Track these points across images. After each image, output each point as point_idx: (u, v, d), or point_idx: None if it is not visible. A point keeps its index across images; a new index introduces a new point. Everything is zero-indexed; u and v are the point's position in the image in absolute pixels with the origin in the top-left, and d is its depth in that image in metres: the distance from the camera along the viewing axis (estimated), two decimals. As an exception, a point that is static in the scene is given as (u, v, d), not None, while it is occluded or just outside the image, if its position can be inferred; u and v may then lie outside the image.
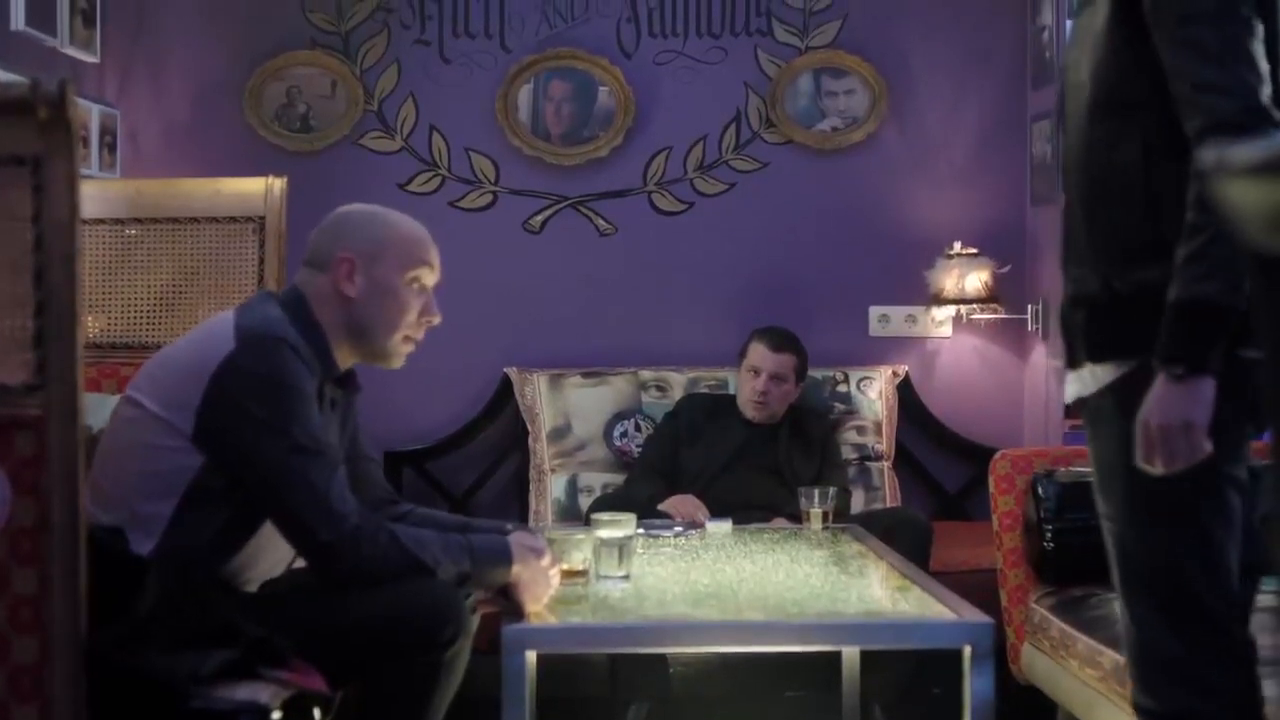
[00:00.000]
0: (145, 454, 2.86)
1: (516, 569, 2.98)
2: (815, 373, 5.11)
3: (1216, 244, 2.25)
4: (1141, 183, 2.38)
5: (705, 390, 5.13)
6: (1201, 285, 2.26)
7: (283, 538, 2.90)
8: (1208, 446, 2.31)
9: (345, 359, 3.05)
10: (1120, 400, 2.39)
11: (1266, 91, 2.29)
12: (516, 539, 3.05)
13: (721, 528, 3.93)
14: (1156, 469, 2.34)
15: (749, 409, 4.75)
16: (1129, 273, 2.39)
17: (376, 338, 3.03)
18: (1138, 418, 2.34)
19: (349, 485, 3.02)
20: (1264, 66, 2.29)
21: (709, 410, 4.88)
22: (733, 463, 4.71)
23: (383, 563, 2.85)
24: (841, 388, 5.12)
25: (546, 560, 3.03)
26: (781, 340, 4.75)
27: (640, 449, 4.99)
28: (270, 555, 2.96)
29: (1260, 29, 2.31)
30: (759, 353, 4.73)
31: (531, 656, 2.93)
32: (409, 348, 3.08)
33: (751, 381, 4.73)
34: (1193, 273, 2.27)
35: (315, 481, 2.82)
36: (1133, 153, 2.39)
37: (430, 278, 3.07)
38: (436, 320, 3.08)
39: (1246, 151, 1.41)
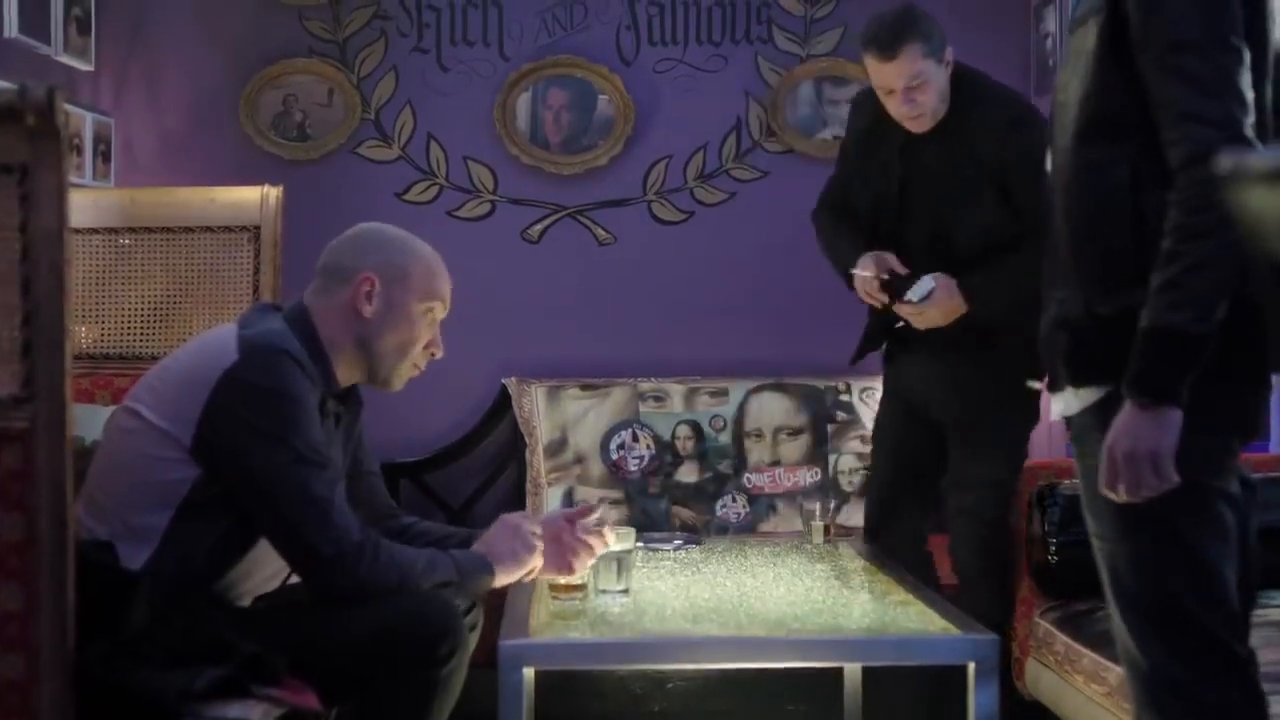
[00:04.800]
0: (142, 465, 2.83)
1: (500, 578, 3.01)
2: (817, 383, 5.08)
3: (1191, 273, 2.26)
4: (1129, 208, 2.37)
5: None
6: (1173, 314, 2.27)
7: (278, 552, 2.86)
8: (1175, 476, 2.31)
9: (347, 377, 3.04)
10: (1103, 421, 2.39)
11: (1250, 121, 2.29)
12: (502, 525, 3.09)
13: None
14: (1120, 496, 2.34)
15: (908, 125, 3.85)
16: (1113, 297, 2.39)
17: (383, 360, 3.02)
18: (1104, 444, 2.35)
19: (351, 500, 3.00)
20: (1249, 96, 2.30)
21: (875, 112, 3.92)
22: (898, 186, 3.90)
23: (381, 580, 2.82)
24: (844, 397, 5.08)
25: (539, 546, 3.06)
26: (890, 35, 3.73)
27: None
28: (265, 569, 2.93)
29: (1248, 56, 2.31)
30: (875, 69, 3.77)
31: (529, 673, 2.89)
32: (411, 374, 3.09)
33: (889, 102, 3.82)
34: (1165, 301, 2.28)
35: (317, 494, 2.79)
36: (1121, 177, 2.39)
37: (442, 312, 3.08)
38: (439, 354, 3.10)
39: (1264, 158, 1.38)
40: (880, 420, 4.20)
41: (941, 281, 3.77)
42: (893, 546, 3.93)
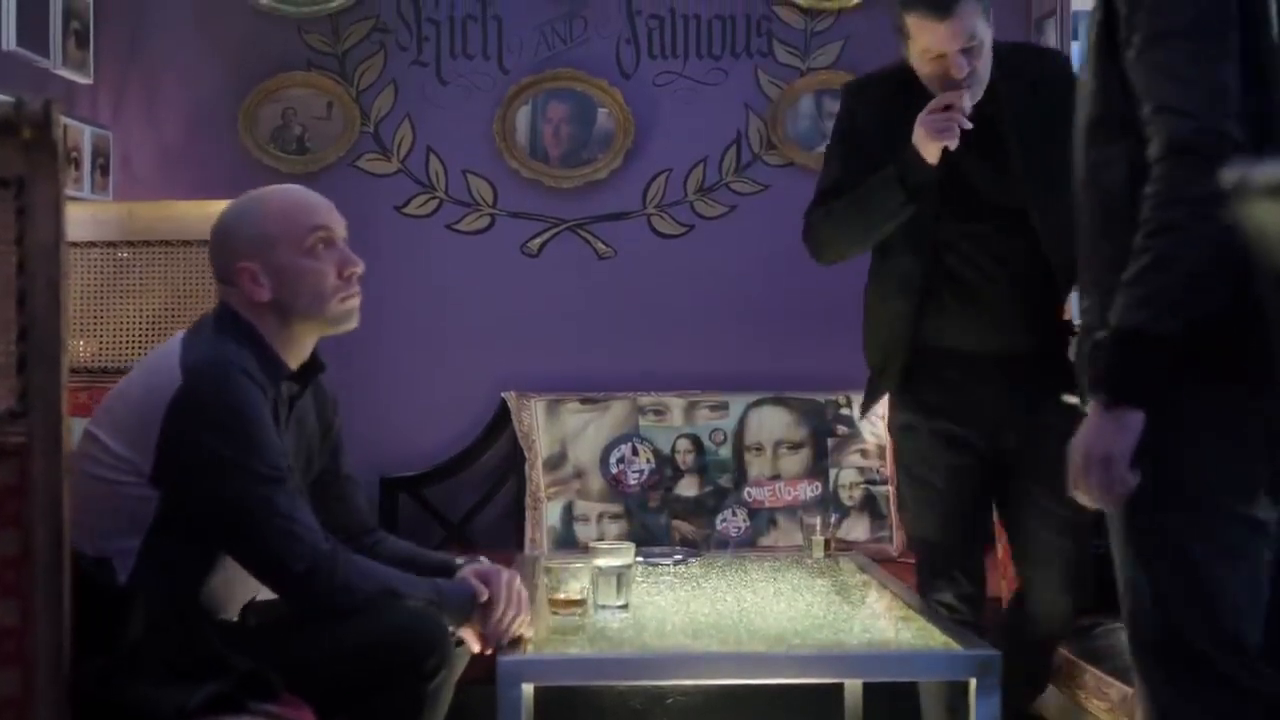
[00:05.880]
0: (107, 491, 2.79)
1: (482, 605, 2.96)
2: (818, 397, 5.07)
3: (1154, 270, 2.19)
4: (1127, 208, 2.29)
5: (872, 76, 3.67)
6: (1134, 312, 2.21)
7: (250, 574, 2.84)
8: (1130, 480, 2.24)
9: (298, 352, 3.00)
10: None
11: (1234, 111, 2.20)
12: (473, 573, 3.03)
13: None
14: (1086, 500, 2.30)
15: (954, 99, 3.37)
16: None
17: (312, 315, 2.96)
18: (1070, 445, 2.30)
19: (328, 505, 2.99)
20: (1234, 85, 2.21)
21: (890, 95, 3.51)
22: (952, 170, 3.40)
23: (358, 586, 2.81)
24: (844, 412, 5.06)
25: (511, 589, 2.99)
26: None
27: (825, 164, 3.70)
28: (246, 580, 2.91)
29: (1236, 44, 2.22)
30: (924, 28, 3.32)
31: (528, 689, 2.87)
32: (351, 305, 3.00)
33: (936, 67, 3.37)
34: (1127, 298, 2.22)
35: (281, 511, 2.77)
36: (1119, 177, 2.33)
37: (332, 234, 2.99)
38: (359, 269, 2.99)
39: (1269, 171, 1.37)
40: (922, 467, 3.55)
41: None
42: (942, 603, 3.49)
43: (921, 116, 3.34)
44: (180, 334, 2.95)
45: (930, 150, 3.34)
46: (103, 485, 2.80)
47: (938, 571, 3.51)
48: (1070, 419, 3.16)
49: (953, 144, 3.32)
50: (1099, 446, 2.25)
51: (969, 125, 3.31)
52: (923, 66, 3.39)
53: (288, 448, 2.93)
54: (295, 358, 2.99)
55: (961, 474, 3.48)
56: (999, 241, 3.42)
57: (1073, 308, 3.17)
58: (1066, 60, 3.53)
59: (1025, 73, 3.47)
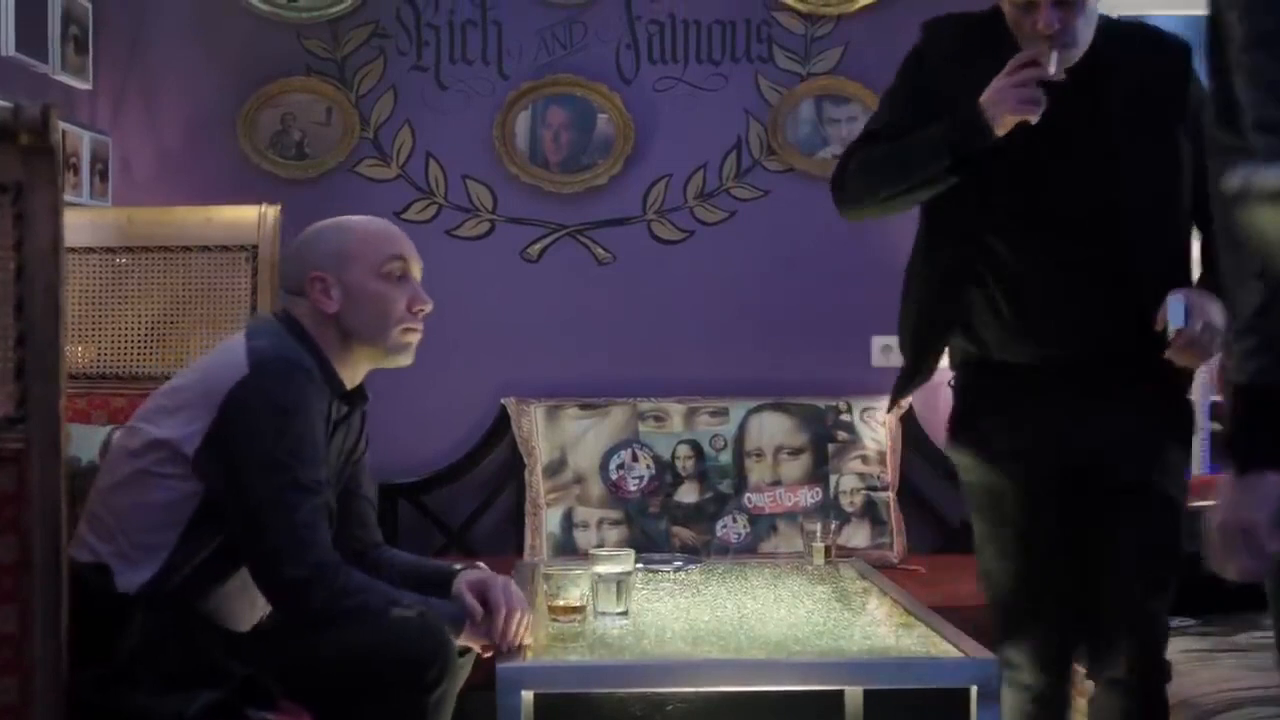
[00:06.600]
0: (147, 483, 2.81)
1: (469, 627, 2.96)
2: (818, 402, 5.06)
3: (1260, 314, 1.95)
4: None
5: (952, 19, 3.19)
6: (1247, 365, 1.98)
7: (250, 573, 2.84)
8: (1275, 546, 2.01)
9: (354, 373, 3.03)
10: None
11: None
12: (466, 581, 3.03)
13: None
14: (1228, 575, 2.05)
15: (1041, 56, 2.91)
16: None
17: (372, 340, 3.00)
18: (1204, 521, 2.06)
19: (340, 520, 3.00)
20: None
21: (970, 31, 3.12)
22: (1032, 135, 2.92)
23: (354, 592, 2.81)
24: (845, 417, 5.06)
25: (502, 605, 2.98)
26: None
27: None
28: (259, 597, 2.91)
29: None
30: None
31: (528, 696, 2.87)
32: (412, 339, 3.05)
33: (1023, 16, 2.94)
34: (1240, 350, 1.99)
35: (303, 520, 2.78)
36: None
37: (408, 267, 3.05)
38: (428, 307, 3.05)
39: (1273, 176, 1.35)
40: (993, 507, 3.14)
41: (1195, 298, 2.83)
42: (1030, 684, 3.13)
43: (1000, 78, 2.88)
44: (240, 333, 2.97)
45: (1005, 121, 2.87)
46: (143, 477, 2.82)
47: (1010, 632, 3.12)
48: (1154, 428, 2.97)
49: (1034, 118, 2.86)
50: (1236, 517, 2.01)
51: (1060, 76, 2.87)
52: (1011, 12, 2.97)
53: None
54: (349, 380, 3.02)
55: (1032, 509, 3.08)
56: (1066, 242, 2.99)
57: (1169, 313, 2.84)
58: (1189, 51, 3.02)
59: (1143, 52, 3.04)
